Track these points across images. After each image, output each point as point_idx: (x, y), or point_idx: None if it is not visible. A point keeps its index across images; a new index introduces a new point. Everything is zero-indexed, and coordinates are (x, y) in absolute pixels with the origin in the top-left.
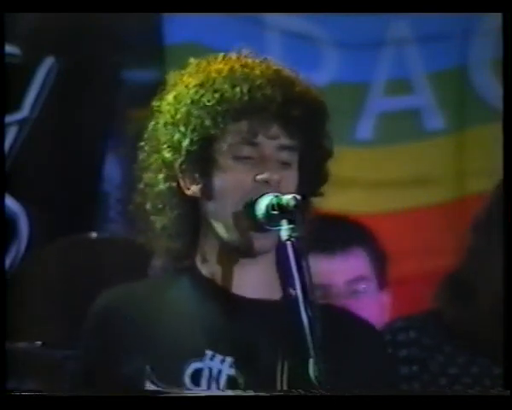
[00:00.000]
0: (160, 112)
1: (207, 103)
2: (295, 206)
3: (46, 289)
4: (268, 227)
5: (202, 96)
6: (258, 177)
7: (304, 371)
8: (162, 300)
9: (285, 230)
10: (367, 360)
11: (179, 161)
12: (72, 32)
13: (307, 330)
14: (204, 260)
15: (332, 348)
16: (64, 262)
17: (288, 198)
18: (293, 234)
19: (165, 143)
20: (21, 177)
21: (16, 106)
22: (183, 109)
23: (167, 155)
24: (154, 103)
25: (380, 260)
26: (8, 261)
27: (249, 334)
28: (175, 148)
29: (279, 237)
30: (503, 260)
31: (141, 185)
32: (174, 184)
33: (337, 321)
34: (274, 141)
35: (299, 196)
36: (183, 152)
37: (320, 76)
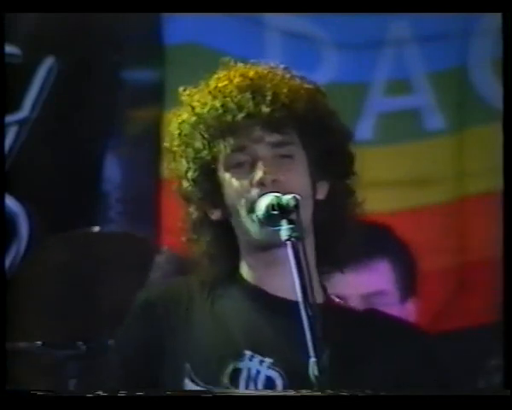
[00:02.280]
0: (171, 151)
1: (190, 130)
2: (295, 206)
3: (46, 289)
4: (268, 227)
5: (186, 125)
6: (253, 181)
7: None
8: (203, 300)
9: (285, 230)
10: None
11: (193, 190)
12: (72, 32)
13: (307, 330)
14: (245, 267)
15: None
16: (64, 260)
17: (287, 198)
18: (293, 234)
19: (181, 177)
20: (21, 177)
21: (16, 106)
22: (177, 142)
23: (185, 187)
24: (165, 144)
25: (407, 270)
26: (8, 261)
27: (288, 335)
28: (187, 180)
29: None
30: (503, 259)
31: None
32: (202, 214)
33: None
34: (261, 142)
35: (298, 196)
36: (191, 182)
37: (320, 76)
